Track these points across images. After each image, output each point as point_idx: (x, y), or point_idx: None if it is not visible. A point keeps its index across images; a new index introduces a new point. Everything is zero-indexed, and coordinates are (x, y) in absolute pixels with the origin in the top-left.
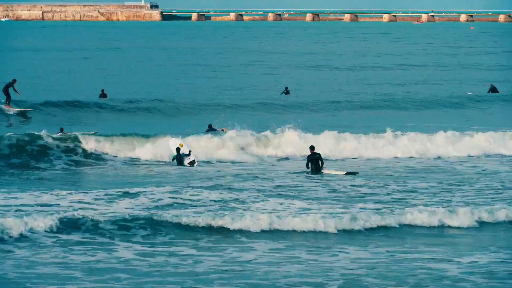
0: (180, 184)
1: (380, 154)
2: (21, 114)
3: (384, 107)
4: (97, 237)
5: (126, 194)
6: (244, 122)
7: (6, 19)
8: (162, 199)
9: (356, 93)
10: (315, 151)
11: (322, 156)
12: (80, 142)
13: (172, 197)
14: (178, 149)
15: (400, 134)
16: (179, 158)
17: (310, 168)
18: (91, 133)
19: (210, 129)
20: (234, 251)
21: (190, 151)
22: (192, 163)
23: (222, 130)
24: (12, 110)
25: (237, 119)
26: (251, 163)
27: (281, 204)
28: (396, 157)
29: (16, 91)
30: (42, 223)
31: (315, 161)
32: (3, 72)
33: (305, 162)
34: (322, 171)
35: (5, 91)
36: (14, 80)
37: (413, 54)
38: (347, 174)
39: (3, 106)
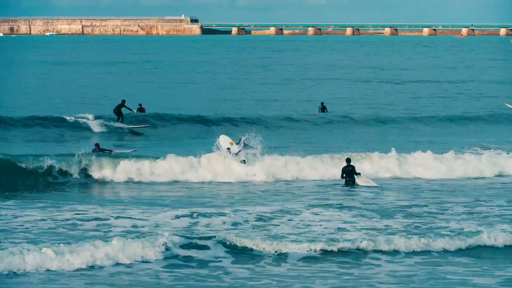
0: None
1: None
2: (134, 132)
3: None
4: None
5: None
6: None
7: (51, 33)
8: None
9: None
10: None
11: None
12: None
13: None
14: (228, 149)
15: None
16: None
17: (344, 180)
18: (129, 150)
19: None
20: None
21: (239, 151)
22: (243, 161)
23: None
24: (127, 127)
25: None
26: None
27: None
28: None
29: (130, 109)
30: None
31: (349, 173)
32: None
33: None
34: (357, 181)
35: (117, 111)
36: (124, 101)
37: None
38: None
39: (119, 124)
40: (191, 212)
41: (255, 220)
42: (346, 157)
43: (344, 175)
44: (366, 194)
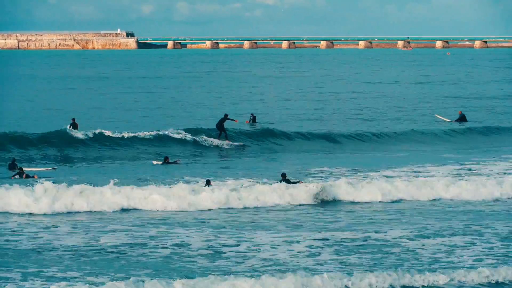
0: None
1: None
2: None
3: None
4: None
5: None
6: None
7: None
8: None
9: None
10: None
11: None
12: None
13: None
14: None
15: None
16: None
17: None
18: (48, 169)
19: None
20: None
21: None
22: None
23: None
24: (229, 143)
25: None
26: None
27: None
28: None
29: (233, 119)
30: None
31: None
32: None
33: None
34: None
35: (220, 126)
36: (226, 115)
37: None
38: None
39: (221, 141)
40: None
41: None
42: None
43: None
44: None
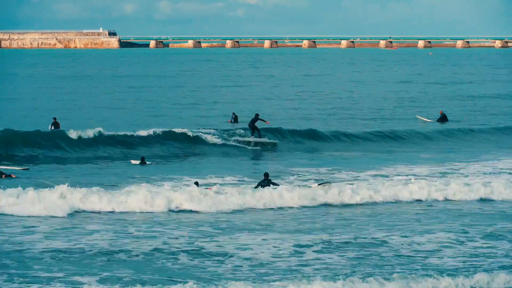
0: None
1: None
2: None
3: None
4: None
5: None
6: None
7: None
8: None
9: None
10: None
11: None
12: None
13: None
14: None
15: None
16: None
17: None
18: (20, 168)
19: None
20: None
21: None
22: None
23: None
24: (262, 141)
25: None
26: None
27: None
28: None
29: (264, 120)
30: None
31: (265, 187)
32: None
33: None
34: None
35: (252, 125)
36: (257, 114)
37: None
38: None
39: (255, 138)
40: None
41: None
42: None
43: (260, 187)
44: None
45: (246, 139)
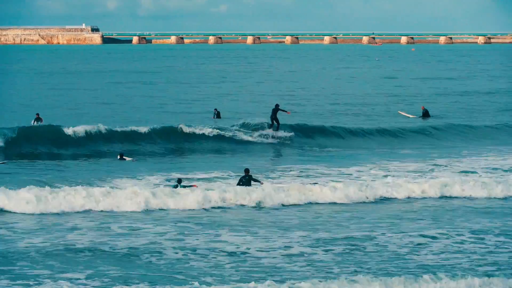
0: None
1: None
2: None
3: None
4: None
5: None
6: None
7: None
8: None
9: None
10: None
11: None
12: None
13: None
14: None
15: None
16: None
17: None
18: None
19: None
20: None
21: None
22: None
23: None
24: (279, 134)
25: None
26: None
27: None
28: None
29: (285, 110)
30: None
31: (246, 183)
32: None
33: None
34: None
35: (274, 116)
36: (277, 105)
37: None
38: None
39: (274, 132)
40: None
41: None
42: None
43: (241, 184)
44: None
45: (264, 132)
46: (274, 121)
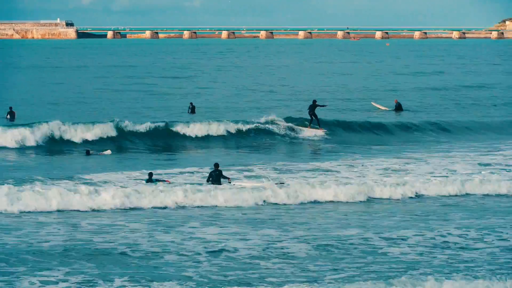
0: None
1: None
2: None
3: None
4: None
5: None
6: None
7: None
8: None
9: None
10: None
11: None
12: None
13: None
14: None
15: None
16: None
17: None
18: None
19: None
20: None
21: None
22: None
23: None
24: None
25: None
26: None
27: None
28: None
29: (323, 105)
30: None
31: (216, 177)
32: None
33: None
34: (233, 183)
35: (312, 112)
36: (315, 101)
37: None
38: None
39: (316, 130)
40: None
41: None
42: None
43: (211, 179)
44: None
45: (305, 129)
46: (313, 117)
